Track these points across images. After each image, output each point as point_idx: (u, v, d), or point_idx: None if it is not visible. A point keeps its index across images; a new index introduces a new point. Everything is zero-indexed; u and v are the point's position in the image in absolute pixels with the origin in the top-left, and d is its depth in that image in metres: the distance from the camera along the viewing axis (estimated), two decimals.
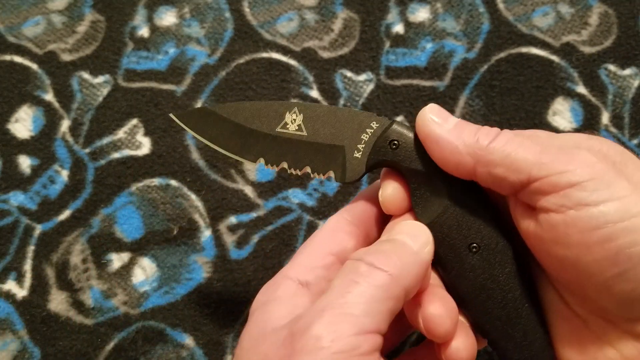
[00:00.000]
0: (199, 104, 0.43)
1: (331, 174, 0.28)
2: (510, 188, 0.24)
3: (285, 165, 0.28)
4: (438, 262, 0.26)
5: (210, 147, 0.30)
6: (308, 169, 0.28)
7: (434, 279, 0.27)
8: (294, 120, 0.29)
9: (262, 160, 0.29)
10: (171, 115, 0.30)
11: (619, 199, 0.22)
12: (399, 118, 0.42)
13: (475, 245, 0.26)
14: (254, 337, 0.24)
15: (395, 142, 0.27)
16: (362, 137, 0.27)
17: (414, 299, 0.24)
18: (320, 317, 0.21)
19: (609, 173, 0.23)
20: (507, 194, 0.25)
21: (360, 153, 0.27)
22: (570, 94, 0.42)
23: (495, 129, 0.25)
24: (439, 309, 0.24)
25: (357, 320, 0.21)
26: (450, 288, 0.26)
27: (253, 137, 0.29)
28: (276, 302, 0.25)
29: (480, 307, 0.26)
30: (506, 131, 0.25)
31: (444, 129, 0.25)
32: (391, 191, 0.27)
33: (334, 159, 0.28)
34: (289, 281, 0.26)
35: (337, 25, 0.45)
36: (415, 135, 0.26)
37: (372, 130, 0.27)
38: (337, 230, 0.28)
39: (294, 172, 0.29)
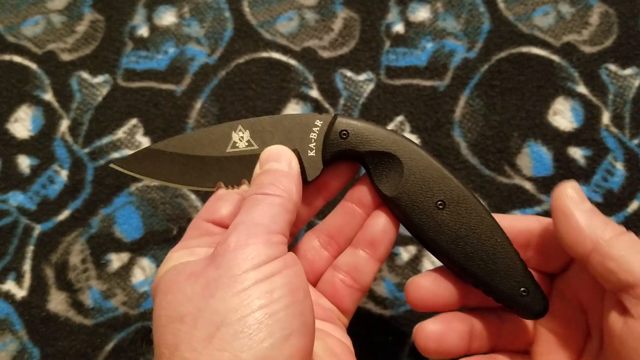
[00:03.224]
0: (198, 104, 0.43)
1: None
2: (616, 284, 0.25)
3: (246, 182, 0.29)
4: (412, 225, 0.29)
5: (168, 186, 0.29)
6: None
7: None
8: (242, 137, 0.29)
9: (222, 185, 0.29)
10: (112, 165, 0.30)
11: None
12: (399, 118, 0.42)
13: (440, 201, 0.29)
14: (170, 288, 0.24)
15: (345, 131, 0.29)
16: (310, 136, 0.29)
17: None
18: (235, 230, 0.24)
19: None
20: (609, 289, 0.26)
21: (314, 151, 0.29)
22: (571, 94, 0.42)
23: (623, 228, 0.26)
24: None
25: (266, 226, 0.24)
26: (430, 245, 0.29)
27: (206, 164, 0.29)
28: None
29: (462, 254, 0.28)
30: (632, 234, 0.26)
31: (578, 208, 0.26)
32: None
33: None
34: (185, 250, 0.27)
35: (337, 24, 0.45)
36: (363, 122, 0.29)
37: (319, 128, 0.29)
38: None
39: None
